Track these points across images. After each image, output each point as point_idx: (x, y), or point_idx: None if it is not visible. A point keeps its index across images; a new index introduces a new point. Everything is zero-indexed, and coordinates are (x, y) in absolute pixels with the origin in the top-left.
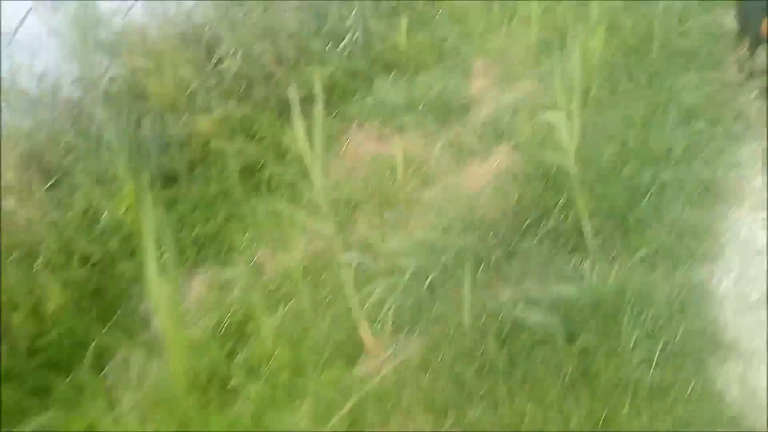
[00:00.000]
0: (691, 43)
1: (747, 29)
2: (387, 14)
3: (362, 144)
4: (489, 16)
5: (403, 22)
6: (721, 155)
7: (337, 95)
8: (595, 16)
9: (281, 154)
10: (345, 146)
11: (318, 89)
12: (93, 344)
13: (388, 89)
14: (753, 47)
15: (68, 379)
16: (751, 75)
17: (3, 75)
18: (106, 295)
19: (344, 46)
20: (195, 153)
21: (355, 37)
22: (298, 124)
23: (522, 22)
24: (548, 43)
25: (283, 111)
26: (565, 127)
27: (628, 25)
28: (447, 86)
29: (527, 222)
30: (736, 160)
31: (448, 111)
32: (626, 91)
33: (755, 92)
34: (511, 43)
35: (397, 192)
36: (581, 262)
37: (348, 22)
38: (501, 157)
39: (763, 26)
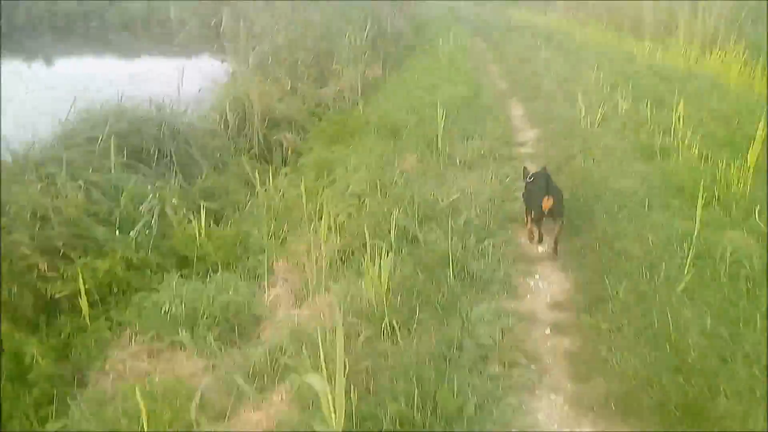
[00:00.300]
0: (488, 265)
1: (531, 207)
2: (192, 200)
3: (128, 362)
4: (299, 214)
5: (203, 212)
6: (517, 412)
7: (116, 293)
8: (393, 230)
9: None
10: (107, 364)
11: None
12: None
13: (174, 291)
14: (537, 222)
15: None
16: None
17: None
18: None
19: (135, 234)
20: None
21: (149, 225)
22: None
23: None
24: (350, 254)
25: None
26: (329, 397)
27: (428, 240)
28: (238, 295)
29: None
30: (533, 420)
31: (232, 327)
32: (422, 321)
33: (548, 329)
34: (314, 249)
35: None
36: None
37: (144, 207)
38: (273, 410)
39: (544, 203)
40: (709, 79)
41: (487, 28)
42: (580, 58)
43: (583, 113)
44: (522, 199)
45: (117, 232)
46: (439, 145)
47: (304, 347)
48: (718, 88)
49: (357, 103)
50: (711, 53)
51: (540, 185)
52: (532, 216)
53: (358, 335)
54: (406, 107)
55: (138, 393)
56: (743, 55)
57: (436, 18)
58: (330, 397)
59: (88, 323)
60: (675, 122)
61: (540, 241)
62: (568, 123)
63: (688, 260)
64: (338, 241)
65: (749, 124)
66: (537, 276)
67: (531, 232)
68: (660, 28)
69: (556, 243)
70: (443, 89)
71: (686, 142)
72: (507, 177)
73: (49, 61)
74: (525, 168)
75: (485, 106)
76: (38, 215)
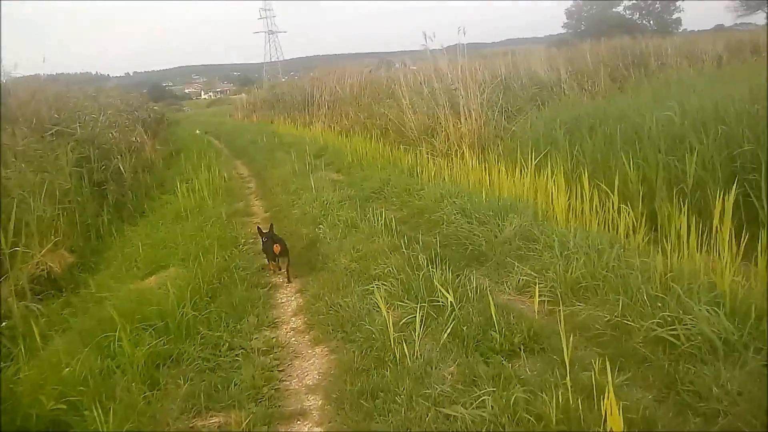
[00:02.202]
0: None
1: (268, 255)
2: None
3: None
4: None
5: None
6: None
7: None
8: None
9: None
10: None
11: None
12: None
13: None
14: (274, 261)
15: None
16: None
17: None
18: None
19: None
20: None
21: None
22: None
23: None
24: None
25: None
26: None
27: None
28: None
29: None
30: None
31: None
32: None
33: None
34: None
35: None
36: None
37: None
38: None
39: (275, 248)
40: (528, 211)
41: (252, 148)
42: (359, 187)
43: (385, 315)
44: (263, 252)
45: None
46: None
47: None
48: (545, 224)
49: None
50: (501, 167)
51: (270, 235)
52: (271, 259)
53: None
54: (97, 338)
55: None
56: (547, 171)
57: (197, 139)
58: None
59: None
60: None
61: (279, 270)
62: (370, 339)
63: None
64: None
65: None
66: None
67: (272, 269)
68: (426, 132)
69: (288, 272)
70: (169, 278)
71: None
72: None
73: None
74: (259, 228)
75: (236, 308)
76: None
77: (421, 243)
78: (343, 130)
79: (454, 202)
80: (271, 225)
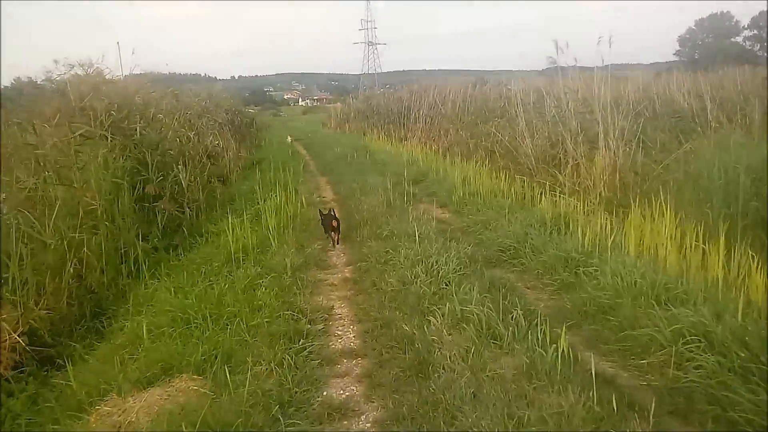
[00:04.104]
0: None
1: (326, 228)
2: None
3: None
4: None
5: None
6: None
7: None
8: None
9: None
10: None
11: None
12: None
13: None
14: (330, 233)
15: None
16: None
17: None
18: None
19: None
20: None
21: None
22: None
23: None
24: None
25: None
26: None
27: None
28: None
29: None
30: None
31: None
32: None
33: None
34: None
35: None
36: None
37: None
38: None
39: (333, 222)
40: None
41: (341, 164)
42: (477, 238)
43: None
44: (322, 226)
45: None
46: None
47: None
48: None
49: None
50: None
51: (329, 215)
52: (327, 231)
53: None
54: None
55: None
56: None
57: (282, 148)
58: None
59: None
60: None
61: (334, 242)
62: None
63: None
64: None
65: None
66: None
67: (329, 239)
68: (547, 161)
69: (338, 241)
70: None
71: None
72: None
73: None
74: (320, 210)
75: None
76: None
77: (651, 416)
78: (442, 150)
79: (672, 308)
80: (330, 209)
